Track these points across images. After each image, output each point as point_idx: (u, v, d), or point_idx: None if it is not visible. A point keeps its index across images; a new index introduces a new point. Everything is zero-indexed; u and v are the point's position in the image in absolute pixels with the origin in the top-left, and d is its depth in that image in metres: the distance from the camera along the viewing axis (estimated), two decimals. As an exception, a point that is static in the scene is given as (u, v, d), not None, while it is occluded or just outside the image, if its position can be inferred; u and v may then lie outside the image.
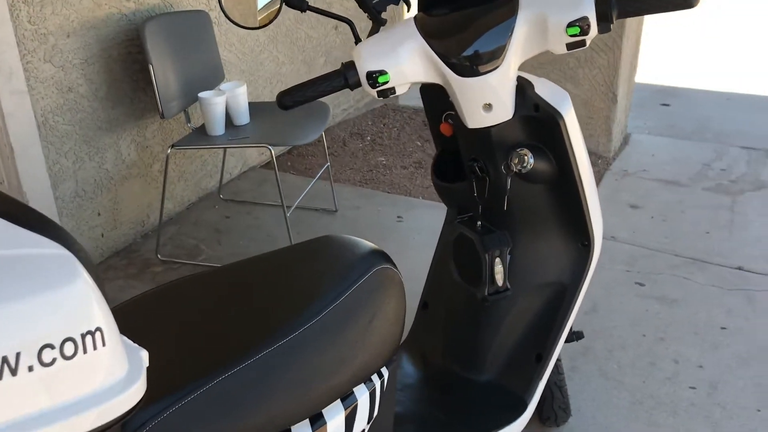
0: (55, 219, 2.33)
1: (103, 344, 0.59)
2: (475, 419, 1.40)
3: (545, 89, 1.24)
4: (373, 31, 1.30)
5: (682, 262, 2.45)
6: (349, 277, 1.02)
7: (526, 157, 1.25)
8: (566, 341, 1.48)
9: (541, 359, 1.40)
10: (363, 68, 1.18)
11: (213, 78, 2.71)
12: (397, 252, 2.58)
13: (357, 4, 1.31)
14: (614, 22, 1.13)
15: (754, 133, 3.68)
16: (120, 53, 2.49)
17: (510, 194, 1.30)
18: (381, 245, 2.67)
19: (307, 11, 1.26)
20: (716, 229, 2.68)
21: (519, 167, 1.26)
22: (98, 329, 0.58)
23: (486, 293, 1.32)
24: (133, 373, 0.62)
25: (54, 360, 0.56)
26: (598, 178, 3.15)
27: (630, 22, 3.15)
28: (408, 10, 1.35)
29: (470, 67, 1.16)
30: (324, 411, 0.95)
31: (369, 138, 3.76)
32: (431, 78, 1.21)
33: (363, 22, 3.83)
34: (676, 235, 2.64)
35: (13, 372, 0.53)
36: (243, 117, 2.57)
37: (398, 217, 2.85)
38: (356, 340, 0.98)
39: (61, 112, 2.32)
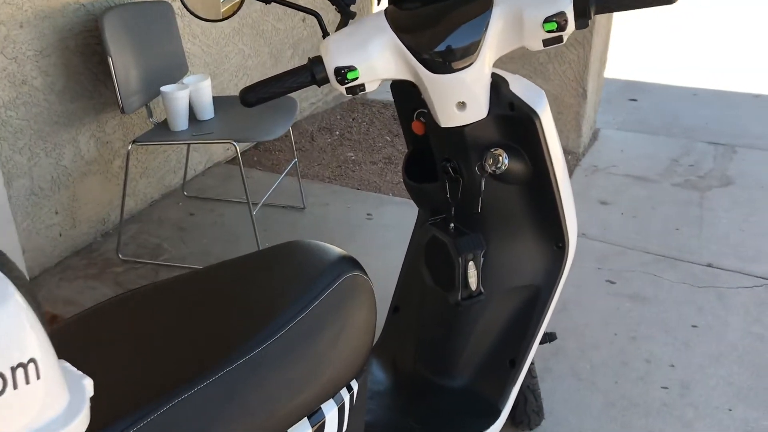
0: (9, 218, 2.23)
1: (38, 377, 0.52)
2: (447, 427, 1.35)
3: (520, 87, 1.20)
4: (342, 24, 1.24)
5: (653, 260, 2.44)
6: (316, 286, 0.97)
7: (500, 158, 1.21)
8: (539, 343, 1.45)
9: (515, 365, 1.36)
10: (331, 64, 1.12)
11: (176, 71, 2.62)
12: (366, 251, 2.53)
13: None
14: (592, 17, 1.09)
15: (720, 129, 3.70)
16: (78, 44, 2.39)
17: (484, 195, 1.26)
18: (350, 243, 2.62)
19: (272, 3, 1.20)
20: (686, 226, 2.68)
21: (493, 168, 1.21)
22: (32, 360, 0.52)
23: (459, 298, 1.27)
24: (74, 405, 0.56)
25: None
26: (569, 174, 3.13)
27: (600, 16, 3.13)
28: (378, 3, 1.29)
29: (443, 63, 1.11)
30: (289, 431, 0.89)
31: (338, 132, 3.70)
32: (402, 74, 1.16)
33: (331, 15, 3.77)
34: (647, 231, 2.64)
35: None
36: (207, 112, 2.49)
37: (368, 214, 2.80)
38: (324, 354, 0.93)
39: (14, 106, 2.21)
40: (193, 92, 2.44)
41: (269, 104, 2.53)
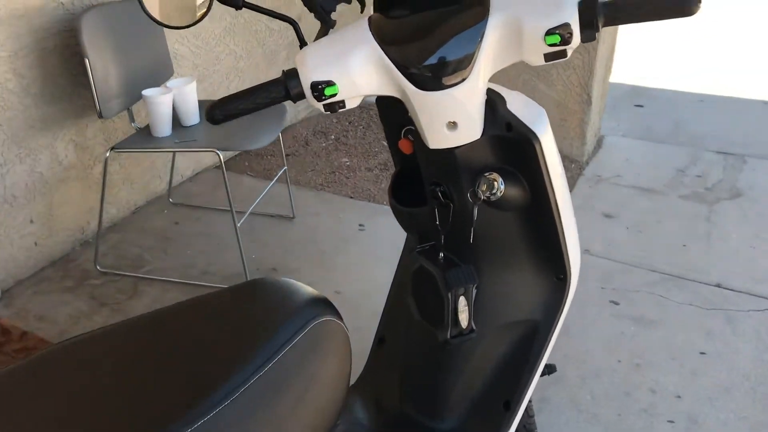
0: (-20, 228, 2.11)
1: None
2: (434, 474, 1.24)
3: (519, 105, 1.07)
4: (321, 33, 1.12)
5: (659, 279, 2.32)
6: (283, 333, 0.85)
7: (495, 183, 1.08)
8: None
9: (510, 407, 1.24)
10: (307, 78, 1.00)
11: (161, 74, 2.50)
12: (356, 265, 2.41)
13: (302, 2, 1.12)
14: (600, 30, 0.96)
15: (729, 137, 3.57)
16: (56, 45, 2.26)
17: (477, 224, 1.13)
18: (339, 256, 2.50)
19: (243, 8, 1.08)
20: (693, 242, 2.55)
21: (487, 194, 1.09)
22: None
23: (448, 336, 1.15)
24: None
25: None
26: (572, 184, 3.01)
27: (606, 21, 3.00)
28: (362, 11, 1.17)
29: (432, 78, 0.98)
30: None
31: (333, 137, 3.57)
32: (387, 90, 1.03)
33: (310, 24, 3.60)
34: (653, 247, 2.51)
35: None
36: (192, 117, 2.37)
37: (360, 225, 2.68)
38: (289, 415, 0.81)
39: (-14, 110, 2.09)
40: (177, 96, 2.32)
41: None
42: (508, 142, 1.07)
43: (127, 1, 2.36)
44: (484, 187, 1.08)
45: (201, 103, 2.46)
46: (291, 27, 3.56)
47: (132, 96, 2.32)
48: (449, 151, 1.06)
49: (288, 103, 3.43)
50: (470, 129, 1.03)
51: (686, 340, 2.03)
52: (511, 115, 1.05)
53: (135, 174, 2.71)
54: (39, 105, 2.25)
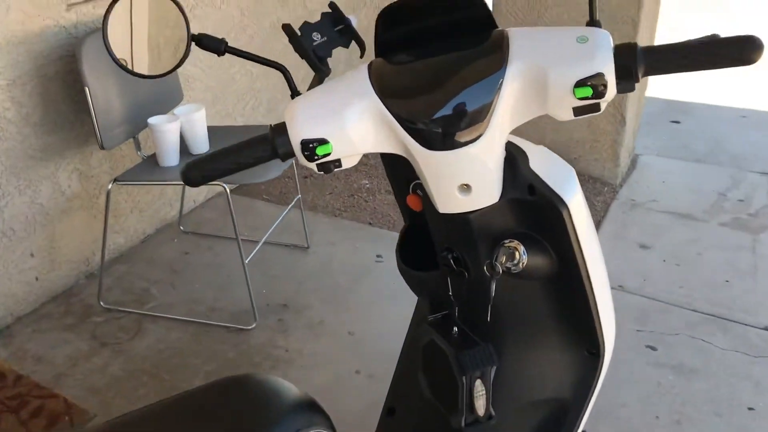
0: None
1: None
2: None
3: (544, 163, 0.92)
4: (316, 82, 0.98)
5: (701, 320, 2.13)
6: None
7: (516, 253, 0.93)
8: None
9: (534, 499, 1.09)
10: (297, 135, 0.86)
11: (169, 99, 2.39)
12: (371, 301, 2.26)
13: (293, 48, 0.98)
14: (639, 80, 0.81)
15: (774, 157, 3.36)
16: (58, 71, 2.16)
17: (495, 296, 0.98)
18: (354, 291, 2.36)
19: (226, 54, 0.95)
20: (737, 277, 2.36)
21: (507, 265, 0.94)
22: None
23: (463, 424, 1.00)
24: None
25: None
26: (605, 209, 2.83)
27: (641, 34, 2.83)
28: (362, 56, 1.03)
29: (442, 136, 0.84)
30: None
31: (352, 157, 3.43)
32: (388, 148, 0.89)
33: (303, 70, 3.46)
34: (693, 283, 2.32)
35: None
36: (201, 145, 2.25)
37: (377, 256, 2.53)
38: None
39: (-17, 141, 2.00)
40: (185, 124, 2.20)
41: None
42: (530, 206, 0.92)
43: (133, 24, 2.24)
44: (504, 258, 0.93)
45: (211, 129, 2.34)
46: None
47: (137, 124, 2.21)
48: (463, 216, 0.91)
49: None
50: (486, 192, 0.89)
51: (732, 392, 1.85)
52: (534, 176, 0.90)
53: (144, 201, 2.61)
54: (39, 134, 2.15)
